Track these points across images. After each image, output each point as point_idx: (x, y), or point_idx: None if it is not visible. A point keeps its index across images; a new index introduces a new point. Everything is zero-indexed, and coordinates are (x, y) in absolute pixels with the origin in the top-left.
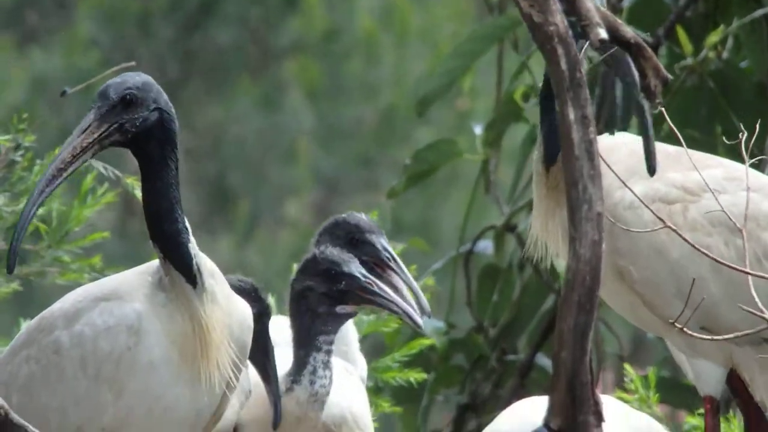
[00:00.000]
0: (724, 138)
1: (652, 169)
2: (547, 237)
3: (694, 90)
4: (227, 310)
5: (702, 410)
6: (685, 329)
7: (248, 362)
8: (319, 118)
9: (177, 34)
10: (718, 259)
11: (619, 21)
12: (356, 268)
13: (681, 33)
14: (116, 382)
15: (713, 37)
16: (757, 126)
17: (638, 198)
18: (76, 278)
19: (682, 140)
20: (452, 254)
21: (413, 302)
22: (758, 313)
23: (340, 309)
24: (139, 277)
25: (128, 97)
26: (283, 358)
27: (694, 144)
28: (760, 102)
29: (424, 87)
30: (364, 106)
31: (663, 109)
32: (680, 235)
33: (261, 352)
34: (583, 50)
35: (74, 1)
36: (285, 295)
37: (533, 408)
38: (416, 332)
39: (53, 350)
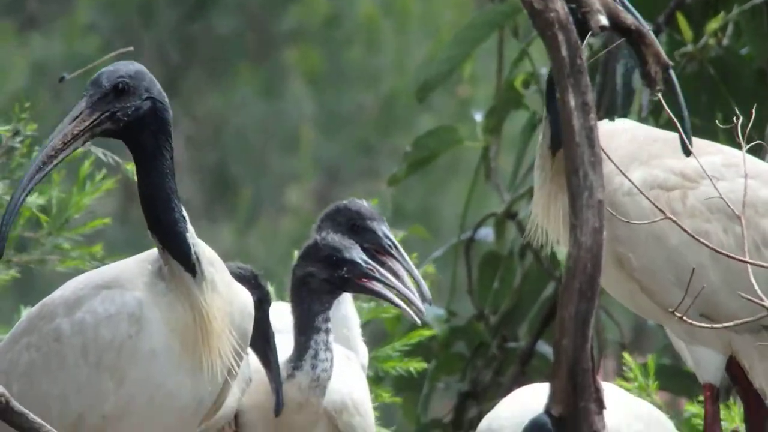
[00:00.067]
0: (720, 123)
1: (688, 151)
2: (547, 223)
3: (695, 77)
4: (228, 298)
5: (702, 397)
6: (684, 318)
7: (249, 349)
8: (320, 105)
9: (178, 21)
10: (717, 249)
11: (620, 7)
12: (357, 255)
13: (681, 20)
14: (117, 370)
15: (713, 24)
16: (753, 111)
17: (635, 186)
18: (77, 265)
19: (679, 126)
20: (453, 242)
21: (414, 289)
22: (757, 301)
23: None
24: (139, 265)
25: (120, 85)
26: (284, 344)
27: (694, 130)
28: (761, 89)
29: (425, 74)
30: (365, 94)
31: (661, 97)
32: (679, 225)
33: (262, 339)
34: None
35: None
36: (286, 282)
37: (534, 395)
38: (417, 324)
39: (54, 338)
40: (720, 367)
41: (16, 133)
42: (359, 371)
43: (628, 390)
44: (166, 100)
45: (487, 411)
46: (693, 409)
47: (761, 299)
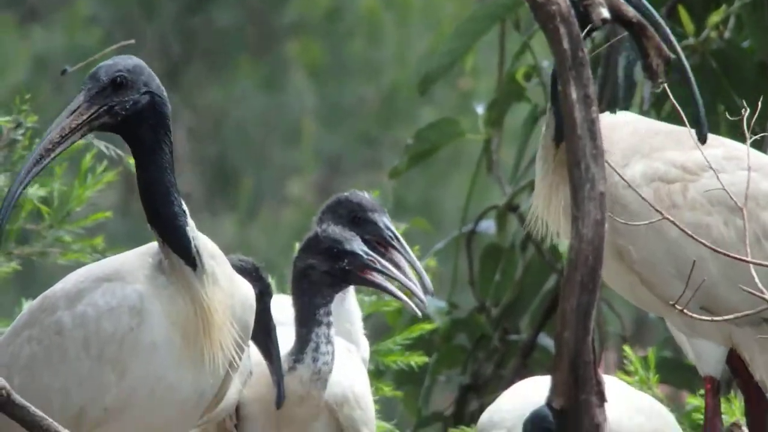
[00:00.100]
0: (727, 115)
1: (703, 137)
2: (548, 214)
3: (696, 70)
4: (229, 290)
5: (703, 391)
6: (685, 311)
7: (250, 342)
8: (322, 97)
9: (179, 13)
10: (714, 247)
11: (622, 0)
12: (358, 246)
13: (683, 13)
14: (119, 362)
15: (715, 17)
16: (759, 104)
17: (629, 185)
18: (78, 258)
19: (686, 120)
20: (454, 234)
21: (416, 280)
22: (758, 294)
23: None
24: (140, 258)
25: (118, 79)
26: (286, 337)
27: (696, 123)
28: (762, 81)
29: (426, 66)
30: (366, 86)
31: (666, 87)
32: (677, 225)
33: (263, 332)
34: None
35: None
36: (287, 275)
37: (535, 388)
38: (418, 316)
39: (56, 331)
40: (720, 359)
41: (18, 125)
42: (360, 364)
43: (629, 383)
44: (165, 94)
45: (489, 404)
46: (694, 402)
47: (762, 293)
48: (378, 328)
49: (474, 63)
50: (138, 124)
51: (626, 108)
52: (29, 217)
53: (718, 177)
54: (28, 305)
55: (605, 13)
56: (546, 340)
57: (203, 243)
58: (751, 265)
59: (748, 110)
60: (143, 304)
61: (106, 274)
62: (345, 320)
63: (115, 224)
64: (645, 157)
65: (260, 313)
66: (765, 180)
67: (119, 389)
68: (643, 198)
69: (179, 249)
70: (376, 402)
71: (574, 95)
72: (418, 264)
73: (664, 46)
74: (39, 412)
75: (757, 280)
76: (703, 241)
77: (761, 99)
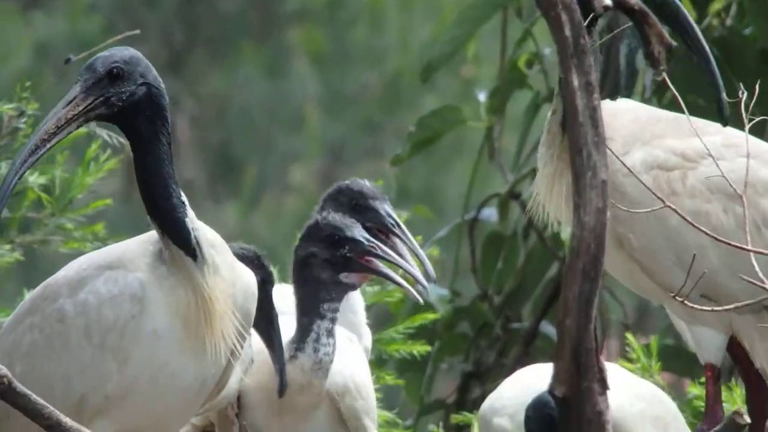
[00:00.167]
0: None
1: (725, 120)
2: (550, 201)
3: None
4: (230, 279)
5: (705, 378)
6: (686, 302)
7: (252, 330)
8: (324, 85)
9: (181, 0)
10: (714, 235)
11: None
12: (359, 233)
13: (685, 0)
14: (121, 350)
15: (717, 4)
16: (757, 88)
17: (632, 172)
18: (80, 246)
19: (684, 108)
20: (456, 222)
21: (417, 267)
22: (758, 284)
23: (344, 277)
24: (141, 246)
25: (115, 70)
26: (287, 326)
27: (697, 111)
28: (764, 68)
29: (429, 54)
30: (369, 73)
31: (665, 77)
32: (678, 213)
33: (265, 320)
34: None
35: None
36: (289, 265)
37: (537, 375)
38: (420, 303)
39: (57, 318)
40: (721, 347)
41: (20, 113)
42: (361, 354)
43: (631, 370)
44: (162, 85)
45: (491, 391)
46: (696, 390)
47: (762, 281)
48: (380, 317)
49: (476, 50)
50: (135, 116)
51: (628, 96)
52: (31, 205)
53: (717, 164)
54: (30, 294)
55: (607, 0)
56: (548, 328)
57: (203, 233)
58: (752, 257)
59: (746, 94)
60: (145, 292)
61: (107, 262)
62: (348, 311)
63: (116, 211)
64: (645, 145)
65: (262, 300)
66: (764, 167)
67: (121, 377)
68: (645, 185)
69: (179, 240)
70: (378, 391)
71: (575, 82)
72: (420, 251)
73: (666, 34)
74: (40, 401)
75: (757, 268)
76: (703, 229)
77: (762, 85)
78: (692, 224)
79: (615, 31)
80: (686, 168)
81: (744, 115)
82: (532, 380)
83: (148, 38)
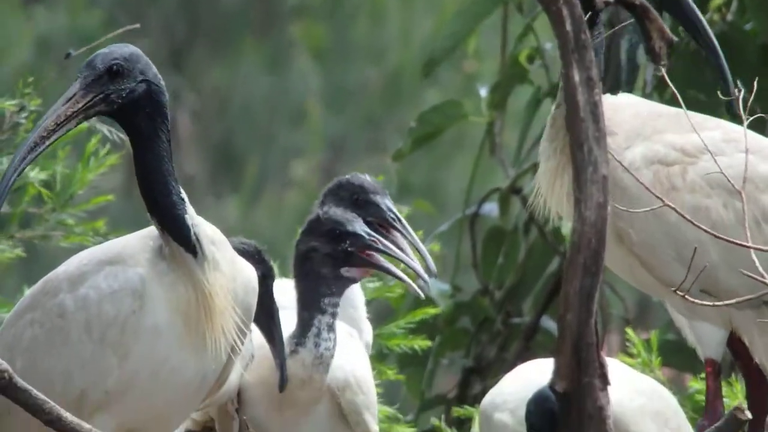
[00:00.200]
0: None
1: (733, 114)
2: (551, 195)
3: (698, 52)
4: (231, 275)
5: (705, 374)
6: (686, 297)
7: (252, 325)
8: (326, 80)
9: None
10: (714, 232)
11: None
12: (360, 227)
13: None
14: (121, 345)
15: (717, 0)
16: (755, 84)
17: (631, 173)
18: (81, 242)
19: (682, 103)
20: (458, 217)
21: (418, 262)
22: (759, 279)
23: (345, 272)
24: (141, 241)
25: (114, 67)
26: (288, 320)
27: (698, 106)
28: (765, 64)
29: (430, 49)
30: (370, 68)
31: (664, 73)
32: (676, 210)
33: (266, 315)
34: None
35: None
36: (290, 257)
37: (538, 370)
38: (420, 298)
39: (58, 314)
40: (721, 342)
41: (21, 108)
42: (361, 349)
43: (631, 365)
44: (162, 83)
45: (492, 386)
46: (696, 385)
47: (762, 276)
48: (381, 312)
49: (477, 45)
50: (134, 113)
51: (629, 91)
52: (31, 200)
53: (715, 160)
54: (30, 289)
55: None
56: (549, 323)
57: (203, 229)
58: (753, 252)
59: (743, 91)
60: (145, 288)
61: (108, 257)
62: (348, 305)
63: (117, 207)
64: (646, 140)
65: (263, 295)
66: (763, 162)
67: (121, 372)
68: (642, 183)
69: (179, 237)
70: (379, 385)
71: (576, 78)
72: (421, 245)
73: (667, 29)
74: (41, 396)
75: (757, 263)
76: (702, 226)
77: (762, 81)
78: (691, 222)
79: (616, 27)
80: (686, 163)
81: (742, 111)
82: (533, 375)
83: (149, 33)
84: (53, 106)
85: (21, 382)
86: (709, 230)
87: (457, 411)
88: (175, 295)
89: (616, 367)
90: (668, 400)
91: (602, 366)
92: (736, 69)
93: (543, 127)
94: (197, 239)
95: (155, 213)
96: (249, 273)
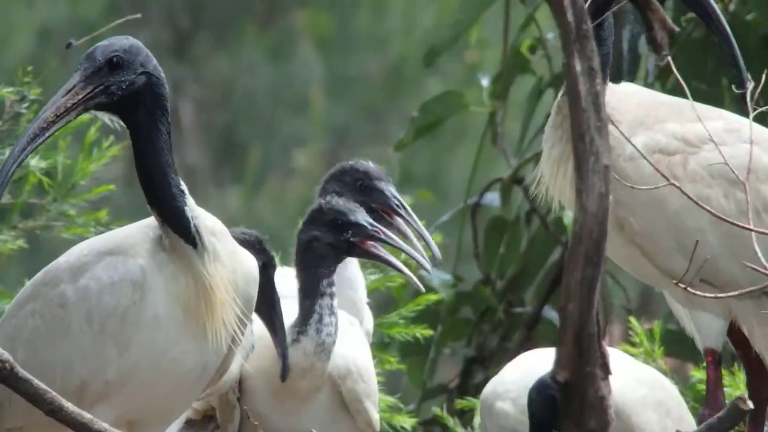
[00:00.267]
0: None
1: (745, 100)
2: (554, 183)
3: (701, 43)
4: (231, 266)
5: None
6: (688, 288)
7: (254, 315)
8: (328, 69)
9: None
10: (718, 214)
11: None
12: (363, 217)
13: None
14: (121, 336)
15: None
16: (763, 77)
17: (641, 153)
18: (82, 232)
19: (688, 93)
20: (460, 207)
21: (421, 249)
22: (761, 270)
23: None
24: (141, 231)
25: (115, 59)
26: (290, 309)
27: (700, 96)
28: (766, 54)
29: (432, 39)
30: (373, 58)
31: (670, 60)
32: (683, 192)
33: (267, 304)
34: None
35: None
36: (293, 246)
37: (539, 359)
38: (422, 291)
39: (58, 304)
40: (721, 332)
41: (22, 98)
42: (362, 337)
43: (634, 355)
44: (162, 75)
45: (493, 376)
46: (699, 374)
47: (764, 266)
48: (382, 302)
49: (479, 35)
50: (134, 105)
51: (631, 81)
52: (33, 190)
53: (720, 151)
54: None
55: None
56: (551, 313)
57: (203, 221)
58: (753, 235)
59: (752, 83)
60: (145, 279)
61: (108, 247)
62: (347, 288)
63: (119, 196)
64: (648, 129)
65: (264, 285)
66: (765, 153)
67: (121, 363)
68: (653, 165)
69: (178, 229)
70: (380, 375)
71: (578, 68)
72: (425, 232)
73: (668, 19)
74: (42, 386)
75: (757, 249)
76: (708, 208)
77: (759, 70)
78: (697, 203)
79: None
80: (687, 153)
81: (748, 101)
82: (535, 365)
83: (151, 22)
84: (53, 98)
85: (22, 372)
86: (713, 212)
87: (460, 403)
88: (175, 286)
89: (617, 357)
90: (670, 389)
91: (604, 356)
92: None
93: (545, 117)
94: (197, 231)
95: (155, 205)
96: (250, 264)
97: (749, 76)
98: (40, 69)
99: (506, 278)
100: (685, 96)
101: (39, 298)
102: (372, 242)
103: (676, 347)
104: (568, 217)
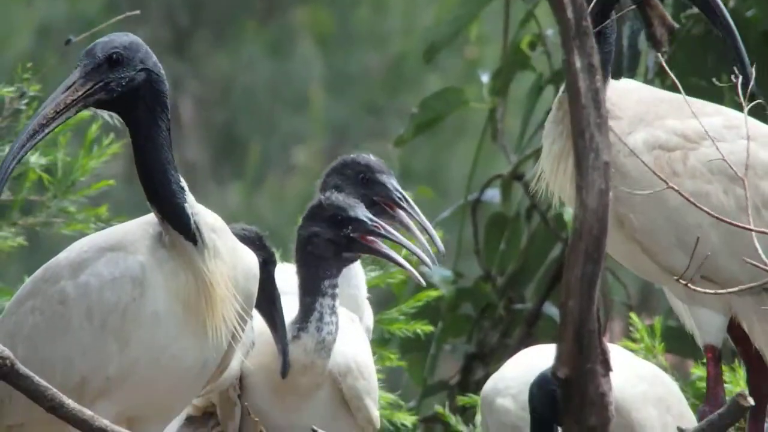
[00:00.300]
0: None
1: (749, 95)
2: (554, 179)
3: (701, 39)
4: (231, 262)
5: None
6: (689, 285)
7: (254, 311)
8: (328, 65)
9: None
10: (719, 216)
11: None
12: (363, 213)
13: None
14: (122, 332)
15: None
16: (753, 71)
17: (637, 156)
18: (82, 229)
19: (681, 89)
20: (460, 203)
21: (425, 242)
22: (761, 266)
23: (346, 256)
24: (141, 228)
25: (114, 56)
26: (290, 306)
27: (700, 92)
28: (766, 51)
29: (432, 35)
30: (373, 54)
31: (663, 62)
32: (680, 193)
33: (267, 301)
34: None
35: None
36: (292, 243)
37: (539, 356)
38: (422, 285)
39: (59, 300)
40: (721, 328)
41: (21, 95)
42: (362, 334)
43: (634, 351)
44: (162, 72)
45: (494, 372)
46: (699, 371)
47: (765, 263)
48: (383, 297)
49: (479, 32)
50: (134, 102)
51: (631, 77)
52: (33, 187)
53: (717, 147)
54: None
55: None
56: (551, 309)
57: (203, 218)
58: (755, 239)
59: (741, 77)
60: (145, 275)
61: (109, 244)
62: (349, 285)
63: (119, 193)
64: (648, 125)
65: (264, 281)
66: (763, 149)
67: (122, 359)
68: (647, 166)
69: (178, 226)
70: (380, 372)
71: (578, 64)
72: (428, 225)
73: (668, 16)
74: (43, 382)
75: (758, 246)
76: (705, 208)
77: (764, 67)
78: (694, 204)
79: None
80: (687, 149)
81: (743, 96)
82: (535, 361)
83: (151, 19)
84: (53, 94)
85: (23, 368)
86: (713, 214)
87: (462, 400)
88: (175, 282)
89: (618, 354)
90: (670, 386)
91: (604, 352)
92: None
93: (545, 114)
94: (197, 227)
95: (155, 202)
96: (250, 260)
97: (752, 71)
98: (40, 66)
99: (507, 274)
100: (685, 93)
101: (39, 294)
102: (372, 237)
103: (677, 344)
104: (569, 213)
